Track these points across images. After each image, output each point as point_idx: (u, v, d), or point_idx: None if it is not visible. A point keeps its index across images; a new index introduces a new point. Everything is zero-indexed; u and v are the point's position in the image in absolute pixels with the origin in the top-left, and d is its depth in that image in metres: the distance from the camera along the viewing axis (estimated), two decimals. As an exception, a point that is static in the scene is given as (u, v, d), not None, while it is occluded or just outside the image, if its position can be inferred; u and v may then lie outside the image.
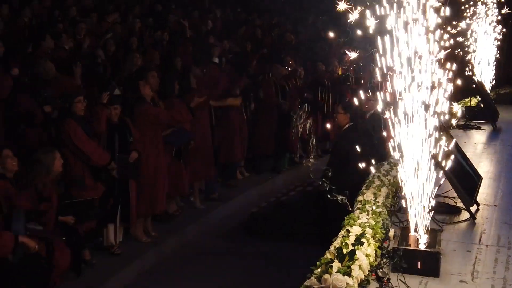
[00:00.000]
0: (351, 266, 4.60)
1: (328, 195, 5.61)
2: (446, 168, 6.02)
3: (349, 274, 4.52)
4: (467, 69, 13.86)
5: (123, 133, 8.45)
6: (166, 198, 9.41)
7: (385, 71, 5.44)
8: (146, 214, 8.98)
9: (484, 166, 9.11)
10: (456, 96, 8.91)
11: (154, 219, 9.31)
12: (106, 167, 8.05)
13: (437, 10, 5.46)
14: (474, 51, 14.49)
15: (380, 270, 5.11)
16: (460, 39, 13.24)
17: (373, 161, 6.18)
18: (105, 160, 8.02)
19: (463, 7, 13.63)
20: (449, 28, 5.86)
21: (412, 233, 5.44)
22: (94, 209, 7.69)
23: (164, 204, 9.25)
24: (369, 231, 5.45)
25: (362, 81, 11.65)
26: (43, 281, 6.62)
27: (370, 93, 6.09)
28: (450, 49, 5.99)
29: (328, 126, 8.88)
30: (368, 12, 5.16)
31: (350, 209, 5.69)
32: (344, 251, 4.80)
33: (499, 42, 15.69)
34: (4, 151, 6.64)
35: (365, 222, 5.67)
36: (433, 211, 5.57)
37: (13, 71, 8.50)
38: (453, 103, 7.09)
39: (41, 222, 6.86)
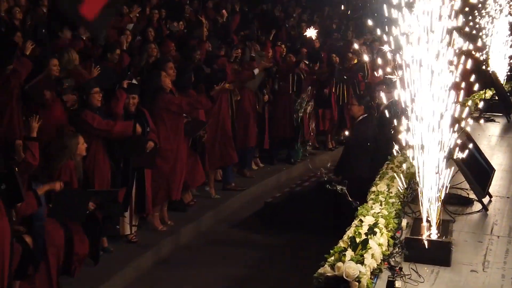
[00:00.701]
0: (364, 255, 4.72)
1: (328, 186, 5.71)
2: (459, 160, 6.12)
3: (361, 262, 4.64)
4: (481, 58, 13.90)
5: (140, 123, 8.55)
6: (183, 189, 9.57)
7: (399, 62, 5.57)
8: (163, 202, 9.13)
9: (498, 158, 9.15)
10: (471, 88, 8.95)
11: (170, 209, 9.44)
12: (133, 139, 8.16)
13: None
14: (489, 34, 14.49)
15: (393, 259, 5.22)
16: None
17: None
18: (129, 126, 8.05)
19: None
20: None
21: (424, 223, 5.53)
22: (116, 203, 7.79)
23: (179, 192, 9.39)
24: (382, 221, 5.56)
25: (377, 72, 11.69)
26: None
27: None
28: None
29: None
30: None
31: (350, 199, 5.77)
32: (357, 240, 4.92)
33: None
34: (16, 142, 6.70)
35: (378, 212, 5.78)
36: (445, 202, 5.67)
37: (27, 46, 8.61)
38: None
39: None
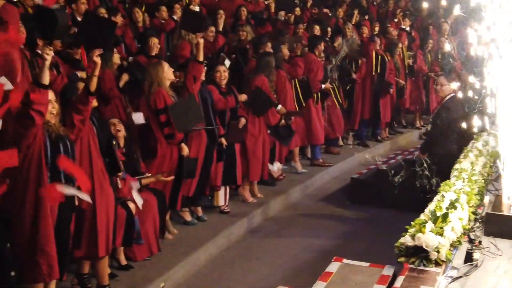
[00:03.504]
0: (444, 227, 4.98)
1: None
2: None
3: (441, 234, 4.90)
4: None
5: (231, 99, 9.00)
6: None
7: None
8: (254, 180, 9.63)
9: None
10: None
11: (260, 182, 9.87)
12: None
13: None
14: None
15: (473, 233, 5.45)
16: None
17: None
18: None
19: None
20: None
21: (505, 200, 5.71)
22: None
23: (265, 173, 9.83)
24: (463, 197, 5.78)
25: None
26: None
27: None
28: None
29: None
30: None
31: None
32: (438, 213, 5.18)
33: None
34: (110, 121, 7.22)
35: (460, 189, 6.00)
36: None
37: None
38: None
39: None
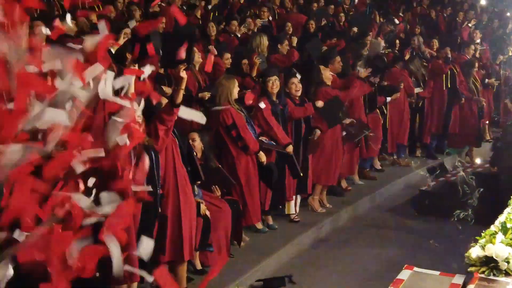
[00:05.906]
0: (514, 239, 5.08)
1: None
2: None
3: (511, 245, 5.01)
4: None
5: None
6: (340, 176, 10.33)
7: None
8: (323, 186, 9.84)
9: None
10: None
11: (328, 193, 10.10)
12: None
13: None
14: None
15: (544, 245, 5.50)
16: None
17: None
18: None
19: None
20: None
21: None
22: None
23: (336, 178, 10.02)
24: (535, 209, 5.85)
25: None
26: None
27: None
28: None
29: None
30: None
31: None
32: (508, 225, 5.28)
33: None
34: (189, 135, 7.46)
35: (532, 201, 6.07)
36: None
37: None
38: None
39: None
